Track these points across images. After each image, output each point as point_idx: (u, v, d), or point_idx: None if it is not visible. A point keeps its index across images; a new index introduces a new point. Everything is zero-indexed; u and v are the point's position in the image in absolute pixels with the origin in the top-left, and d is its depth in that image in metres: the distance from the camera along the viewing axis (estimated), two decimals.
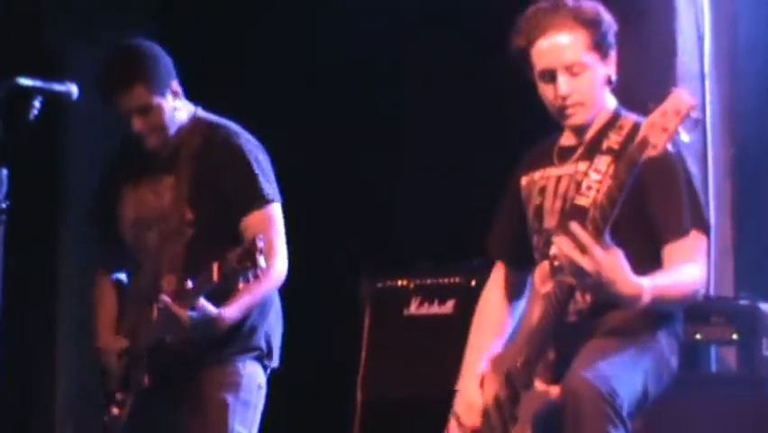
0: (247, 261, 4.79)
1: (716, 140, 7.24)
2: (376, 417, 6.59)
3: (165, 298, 4.88)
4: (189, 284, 4.87)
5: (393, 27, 7.79)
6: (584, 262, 4.04)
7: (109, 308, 5.56)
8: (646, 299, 4.12)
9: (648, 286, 4.14)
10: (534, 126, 4.88)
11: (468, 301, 5.50)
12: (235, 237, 5.09)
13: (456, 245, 6.59)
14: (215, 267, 4.82)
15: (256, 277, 4.81)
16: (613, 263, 4.07)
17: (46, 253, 7.40)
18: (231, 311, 4.96)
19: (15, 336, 5.24)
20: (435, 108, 7.45)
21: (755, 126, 7.53)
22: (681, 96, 4.08)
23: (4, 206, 4.70)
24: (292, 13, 8.10)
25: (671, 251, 4.39)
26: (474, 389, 4.66)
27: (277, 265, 5.16)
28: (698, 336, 5.96)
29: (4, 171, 4.75)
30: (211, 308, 4.86)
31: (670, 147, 4.17)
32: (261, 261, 4.77)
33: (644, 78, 5.83)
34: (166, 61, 5.39)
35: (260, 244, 4.80)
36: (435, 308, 6.52)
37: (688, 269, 4.35)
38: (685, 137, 4.14)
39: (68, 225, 7.45)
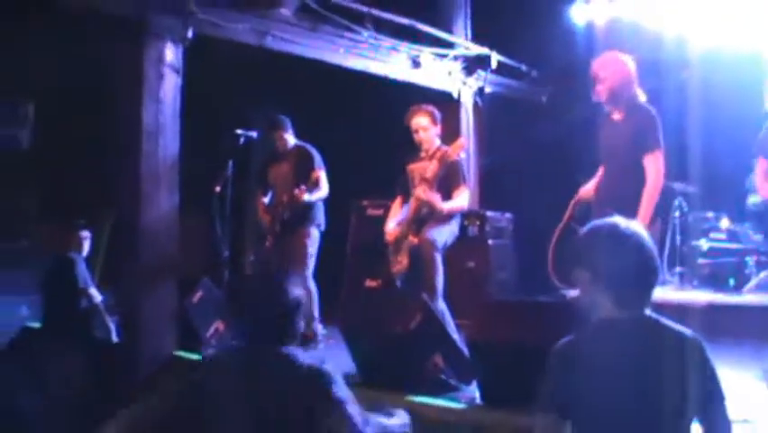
0: (314, 185, 6.69)
1: (474, 157, 8.73)
2: (360, 257, 7.95)
3: (298, 192, 6.55)
4: (298, 190, 6.56)
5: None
6: (425, 196, 5.94)
7: (263, 204, 7.14)
8: (445, 211, 5.99)
9: (446, 205, 6.00)
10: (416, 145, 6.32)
11: (388, 209, 6.73)
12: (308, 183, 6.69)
13: (384, 189, 7.05)
14: (303, 186, 6.60)
15: (316, 191, 6.66)
16: (434, 197, 5.95)
17: (242, 190, 7.48)
18: (309, 197, 6.60)
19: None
20: (388, 135, 7.50)
21: (493, 154, 9.11)
22: (462, 140, 6.22)
23: (230, 173, 6.78)
24: None
25: (455, 193, 6.10)
26: (392, 229, 6.18)
27: (323, 190, 6.83)
28: (466, 223, 7.28)
29: (231, 163, 6.79)
30: (307, 194, 6.54)
31: (458, 157, 6.10)
32: (319, 183, 6.69)
33: (451, 133, 6.92)
34: (289, 124, 7.08)
35: (320, 178, 6.71)
36: (377, 211, 7.77)
37: (460, 200, 6.15)
38: (463, 154, 6.24)
39: (252, 180, 7.73)
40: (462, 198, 6.22)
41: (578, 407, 2.56)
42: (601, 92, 5.16)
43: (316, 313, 6.88)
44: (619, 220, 2.68)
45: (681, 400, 2.49)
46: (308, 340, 6.71)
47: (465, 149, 6.41)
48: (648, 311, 2.64)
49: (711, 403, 2.56)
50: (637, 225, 2.67)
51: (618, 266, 2.58)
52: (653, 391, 2.47)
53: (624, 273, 2.58)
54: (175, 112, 6.18)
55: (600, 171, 5.39)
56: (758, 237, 7.68)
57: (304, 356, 3.11)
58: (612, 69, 5.14)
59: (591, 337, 2.66)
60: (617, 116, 5.23)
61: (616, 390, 2.51)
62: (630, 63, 5.20)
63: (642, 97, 5.22)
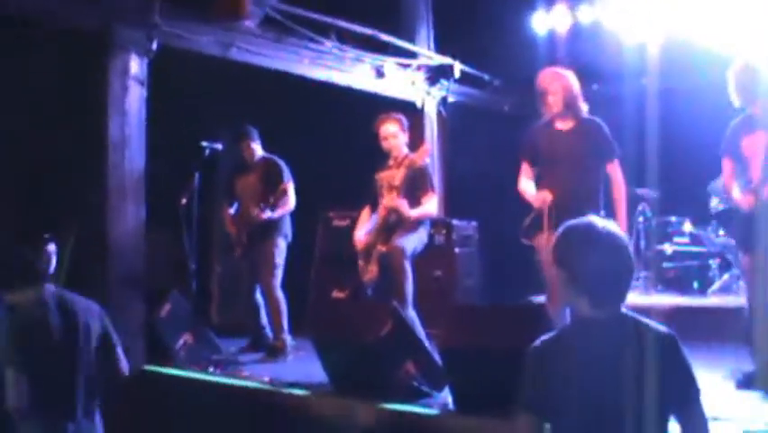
0: (281, 195, 6.71)
1: (439, 166, 8.72)
2: (327, 267, 7.98)
3: (257, 211, 6.64)
4: (260, 208, 6.62)
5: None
6: (393, 203, 5.94)
7: (230, 216, 7.11)
8: (413, 217, 6.00)
9: (414, 212, 6.01)
10: (382, 155, 6.36)
11: (354, 219, 6.79)
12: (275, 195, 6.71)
13: (349, 199, 7.17)
14: (271, 198, 6.65)
15: (283, 202, 6.73)
16: (402, 204, 5.95)
17: (208, 202, 7.41)
18: (271, 214, 6.66)
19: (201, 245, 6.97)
20: (353, 146, 7.60)
21: (455, 160, 9.13)
22: (426, 147, 6.22)
23: (196, 185, 6.69)
24: None
25: (424, 200, 6.12)
26: (361, 237, 6.15)
27: (291, 202, 6.85)
28: (432, 232, 6.69)
29: (197, 175, 6.70)
30: (269, 212, 6.62)
31: (423, 162, 6.10)
32: (286, 195, 6.71)
33: (415, 142, 6.59)
34: (256, 134, 7.08)
35: (287, 189, 6.69)
36: (343, 222, 7.93)
37: (429, 206, 6.18)
38: (428, 160, 6.23)
39: (218, 192, 7.65)
40: (431, 205, 6.25)
41: (557, 405, 2.57)
42: (555, 103, 5.41)
43: (285, 324, 6.82)
44: (595, 220, 2.69)
45: (658, 397, 2.50)
46: (278, 351, 6.74)
47: (430, 154, 6.45)
48: (624, 309, 2.66)
49: (688, 399, 2.58)
50: (613, 225, 2.68)
51: (595, 266, 2.59)
52: (631, 388, 2.48)
53: (600, 273, 2.59)
54: (140, 124, 6.15)
55: (532, 175, 5.58)
56: (720, 240, 7.77)
57: None
58: (562, 82, 5.42)
59: (569, 336, 2.68)
60: (564, 126, 5.47)
61: (594, 387, 2.52)
62: (574, 77, 5.49)
63: (585, 108, 5.52)
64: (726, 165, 5.22)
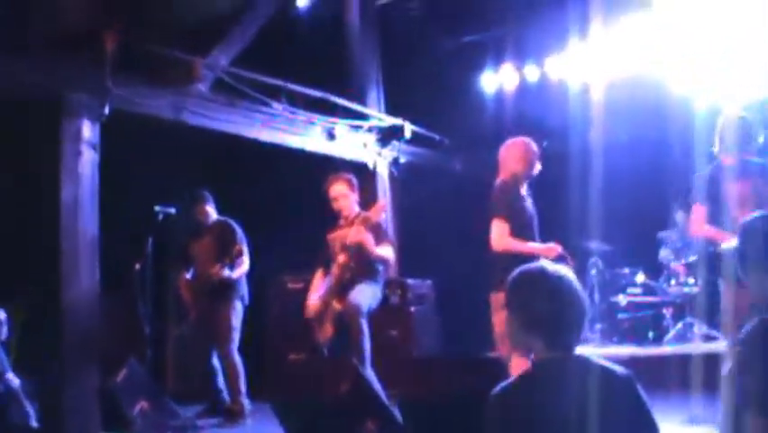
0: (237, 256, 6.79)
1: (392, 226, 8.72)
2: (282, 331, 8.08)
3: (216, 269, 6.71)
4: (218, 266, 6.69)
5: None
6: (360, 236, 5.99)
7: (185, 280, 7.15)
8: (374, 255, 6.08)
9: (377, 249, 6.05)
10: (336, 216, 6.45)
11: (308, 282, 6.67)
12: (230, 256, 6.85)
13: (303, 262, 7.03)
14: (227, 259, 6.73)
15: (240, 263, 6.78)
16: (368, 237, 6.04)
17: (162, 266, 7.18)
18: (229, 274, 6.75)
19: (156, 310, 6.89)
20: (306, 208, 7.50)
21: (408, 219, 9.22)
22: (381, 204, 6.41)
23: (149, 250, 6.60)
24: None
25: (381, 248, 6.19)
26: (313, 303, 6.20)
27: (245, 264, 6.93)
28: (387, 291, 7.10)
29: (150, 240, 6.66)
30: (227, 271, 6.72)
31: (379, 218, 6.24)
32: (241, 256, 6.79)
33: (367, 202, 6.75)
34: (211, 198, 7.18)
35: (242, 250, 6.78)
36: (297, 285, 7.78)
37: (387, 252, 6.25)
38: (383, 215, 6.54)
39: (172, 260, 7.58)
40: (388, 252, 6.32)
41: None
42: (523, 168, 5.71)
43: (243, 388, 6.79)
44: (546, 264, 2.76)
45: None
46: (236, 414, 6.70)
47: (384, 210, 6.62)
48: (578, 351, 2.69)
49: None
50: (564, 268, 2.74)
51: (550, 308, 2.63)
52: (590, 429, 2.49)
53: (556, 315, 2.63)
54: (93, 188, 6.12)
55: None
56: (674, 289, 7.92)
57: None
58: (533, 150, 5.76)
59: (528, 380, 2.69)
60: (524, 191, 5.74)
61: (555, 429, 2.53)
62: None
63: None
64: (699, 210, 5.33)
